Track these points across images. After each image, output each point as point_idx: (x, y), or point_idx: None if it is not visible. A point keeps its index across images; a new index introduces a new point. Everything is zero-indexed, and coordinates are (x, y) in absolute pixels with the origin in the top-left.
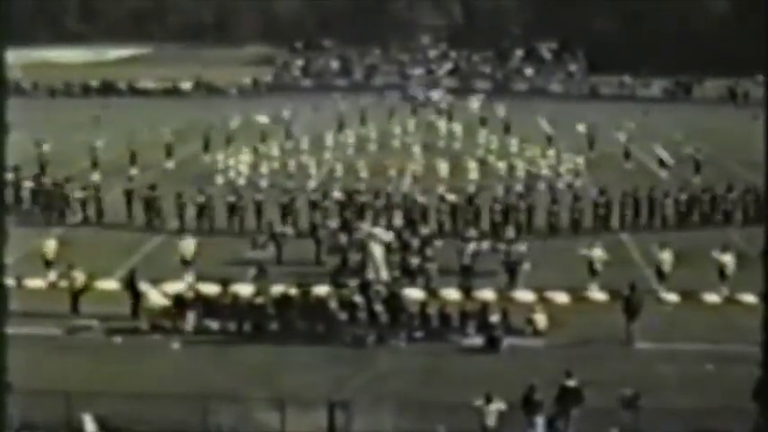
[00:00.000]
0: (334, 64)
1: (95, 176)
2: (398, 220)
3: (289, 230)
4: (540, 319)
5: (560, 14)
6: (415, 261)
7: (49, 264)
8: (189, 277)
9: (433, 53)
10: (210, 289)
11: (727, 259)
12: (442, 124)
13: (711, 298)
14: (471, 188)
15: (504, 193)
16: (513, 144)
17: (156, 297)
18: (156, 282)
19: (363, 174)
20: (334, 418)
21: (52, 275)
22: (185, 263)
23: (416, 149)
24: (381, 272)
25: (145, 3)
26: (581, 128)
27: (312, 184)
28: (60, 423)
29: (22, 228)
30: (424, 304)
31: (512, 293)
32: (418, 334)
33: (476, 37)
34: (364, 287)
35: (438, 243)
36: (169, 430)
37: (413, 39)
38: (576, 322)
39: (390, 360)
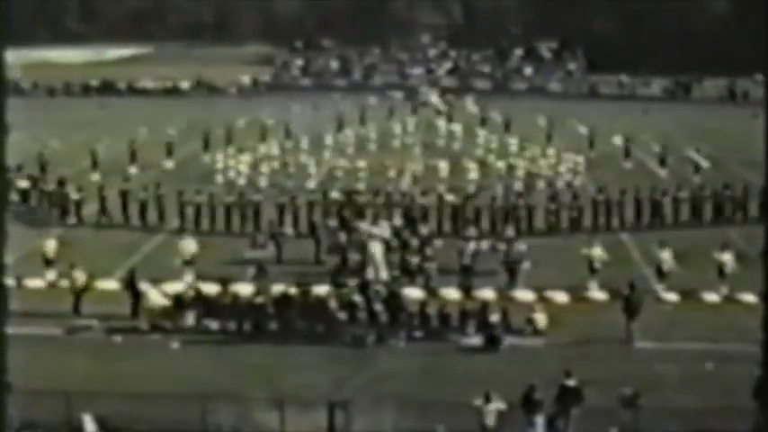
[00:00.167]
0: (334, 63)
1: (95, 176)
2: (398, 219)
3: (289, 230)
4: (540, 319)
5: (560, 14)
6: (414, 260)
7: (49, 263)
8: (188, 277)
9: (432, 52)
10: (210, 288)
11: (727, 258)
12: (441, 124)
13: (711, 297)
14: (471, 188)
15: (504, 192)
16: (513, 143)
17: (155, 297)
18: (155, 282)
19: (363, 173)
20: (333, 418)
21: (52, 275)
22: (185, 262)
23: (416, 149)
24: (381, 271)
25: (145, 2)
26: (583, 129)
27: (312, 183)
28: (60, 423)
29: (18, 226)
30: (423, 304)
31: (512, 293)
32: (418, 333)
33: (475, 36)
34: (364, 287)
35: (438, 242)
36: (169, 430)
37: (412, 38)
38: (575, 322)
39: (390, 360)
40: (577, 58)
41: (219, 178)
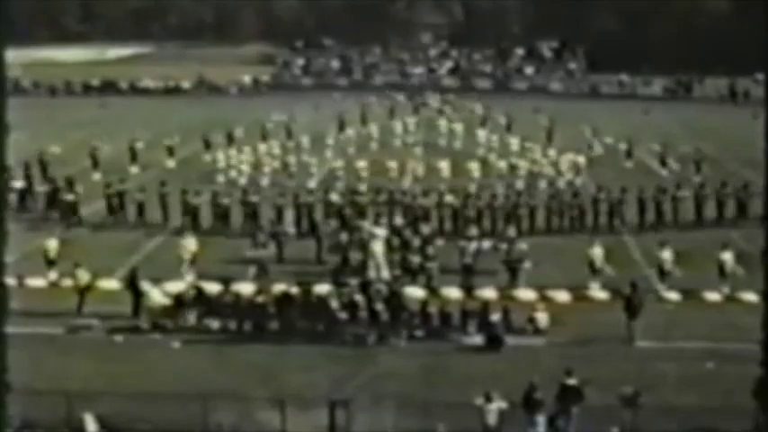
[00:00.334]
0: (335, 63)
1: (96, 176)
2: (399, 219)
3: (290, 229)
4: (542, 318)
5: (561, 13)
6: (415, 260)
7: (50, 263)
8: (189, 276)
9: (433, 52)
10: (211, 288)
11: (727, 257)
12: (443, 123)
13: (712, 296)
14: (472, 187)
15: (505, 191)
16: (514, 143)
17: (156, 296)
18: (156, 281)
19: (364, 173)
20: (334, 418)
21: (53, 275)
22: (187, 262)
23: (417, 149)
24: (382, 271)
25: (145, 2)
26: (587, 131)
27: (313, 183)
28: (61, 422)
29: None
30: (424, 303)
31: (513, 292)
32: (419, 333)
33: (476, 36)
34: (365, 286)
35: (439, 242)
36: (170, 429)
37: (413, 38)
38: (577, 321)
39: (391, 359)
40: (578, 58)
41: (221, 178)
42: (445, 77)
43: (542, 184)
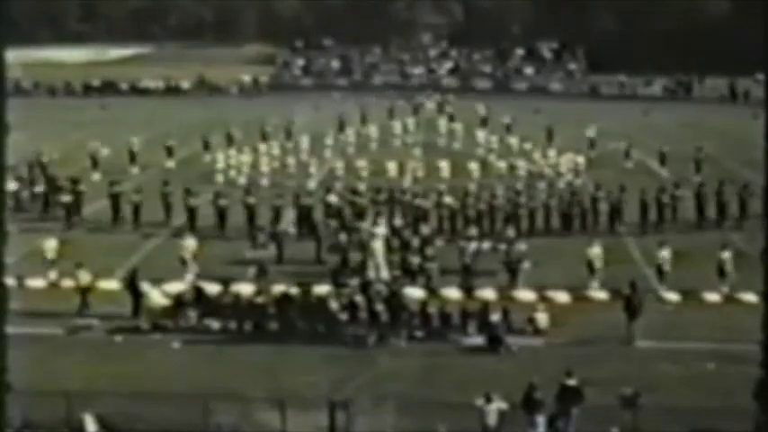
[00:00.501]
0: (335, 63)
1: (96, 176)
2: (399, 219)
3: (290, 230)
4: (541, 319)
5: (561, 14)
6: (415, 260)
7: (49, 263)
8: (190, 277)
9: (433, 52)
10: (211, 288)
11: (726, 257)
12: (442, 123)
13: (712, 297)
14: (472, 188)
15: (505, 191)
16: (514, 143)
17: (156, 297)
18: (156, 282)
19: (364, 173)
20: (334, 418)
21: (53, 275)
22: (185, 262)
23: (417, 149)
24: (382, 271)
25: (145, 2)
26: (591, 131)
27: (312, 183)
28: (61, 422)
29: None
30: (424, 303)
31: (513, 293)
32: (419, 333)
33: (476, 36)
34: (365, 286)
35: (439, 242)
36: (170, 430)
37: (413, 38)
38: (576, 321)
39: (391, 359)
40: (578, 58)
41: (221, 178)
42: (445, 78)
43: (542, 185)
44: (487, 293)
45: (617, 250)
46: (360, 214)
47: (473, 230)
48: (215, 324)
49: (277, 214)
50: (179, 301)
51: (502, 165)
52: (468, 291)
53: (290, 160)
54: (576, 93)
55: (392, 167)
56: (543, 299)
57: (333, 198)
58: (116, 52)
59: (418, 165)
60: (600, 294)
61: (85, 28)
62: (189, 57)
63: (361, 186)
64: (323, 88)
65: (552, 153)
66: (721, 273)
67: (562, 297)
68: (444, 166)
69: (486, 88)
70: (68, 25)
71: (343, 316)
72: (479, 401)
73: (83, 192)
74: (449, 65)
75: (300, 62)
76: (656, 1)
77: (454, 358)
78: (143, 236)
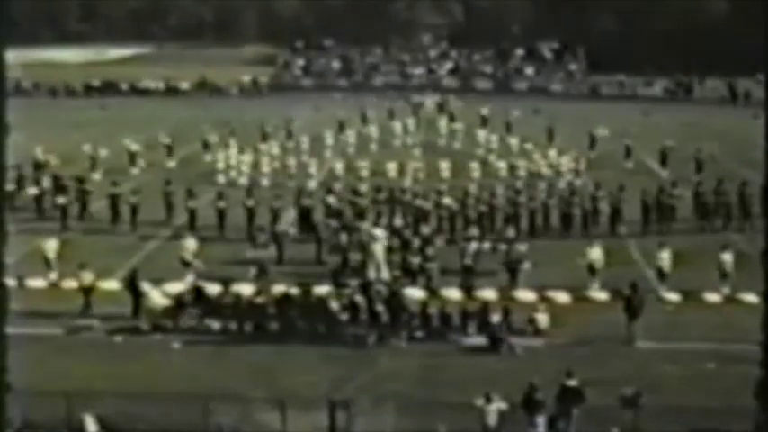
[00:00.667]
0: (335, 64)
1: (96, 176)
2: (399, 220)
3: (291, 230)
4: (542, 319)
5: (561, 14)
6: (415, 260)
7: (49, 263)
8: (190, 277)
9: (433, 53)
10: (211, 288)
11: (727, 257)
12: (442, 124)
13: (712, 297)
14: (472, 188)
15: (505, 191)
16: (514, 144)
17: (157, 297)
18: (156, 282)
19: (364, 173)
20: (334, 418)
21: (53, 275)
22: (185, 263)
23: (417, 149)
24: (382, 271)
25: (146, 2)
26: (601, 131)
27: (313, 183)
28: (61, 423)
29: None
30: (424, 304)
31: (513, 293)
32: (419, 334)
33: (476, 36)
34: (365, 287)
35: (439, 242)
36: (170, 430)
37: (413, 38)
38: (577, 321)
39: (391, 360)
40: (578, 59)
41: (221, 178)
42: (445, 78)
43: (542, 185)
44: (488, 294)
45: (618, 251)
46: (360, 214)
47: (473, 231)
48: (215, 324)
49: (277, 215)
50: (179, 302)
51: (502, 165)
52: (468, 291)
53: (291, 161)
54: (576, 93)
55: (392, 168)
56: (543, 299)
57: (332, 199)
58: (116, 52)
59: (419, 165)
60: (600, 295)
61: (85, 28)
62: (189, 57)
63: (362, 187)
64: (323, 89)
65: (552, 153)
66: (722, 273)
67: (562, 297)
68: (444, 166)
69: (487, 89)
70: (68, 25)
71: (344, 316)
72: (479, 402)
73: (89, 191)
74: (449, 65)
75: (301, 63)
76: (656, 1)
77: (454, 358)
78: (140, 238)
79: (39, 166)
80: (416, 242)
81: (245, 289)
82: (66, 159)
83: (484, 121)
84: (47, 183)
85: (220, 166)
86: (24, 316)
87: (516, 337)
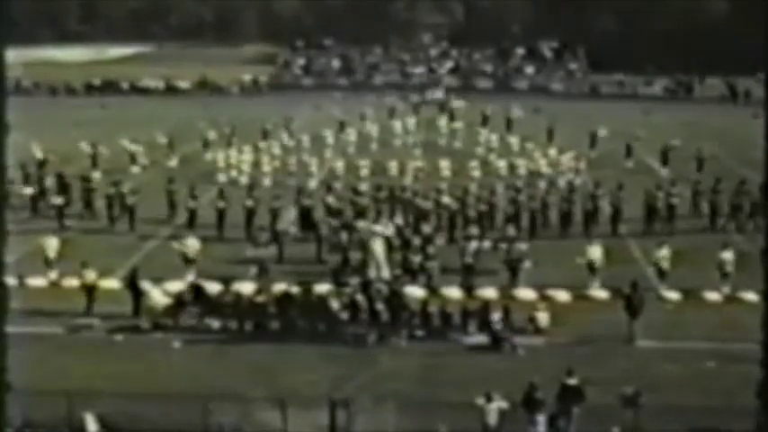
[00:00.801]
0: (336, 63)
1: (96, 175)
2: (400, 219)
3: (291, 229)
4: (542, 318)
5: (561, 13)
6: (416, 259)
7: (50, 263)
8: (191, 276)
9: (433, 52)
10: (212, 287)
11: (727, 256)
12: (443, 123)
13: (713, 296)
14: (472, 187)
15: (505, 190)
16: (514, 143)
17: (157, 296)
18: (157, 281)
19: (365, 172)
20: (335, 417)
21: (53, 274)
22: (187, 261)
23: (417, 148)
24: (383, 270)
25: (146, 2)
26: (602, 131)
27: (313, 183)
28: (62, 422)
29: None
30: (425, 303)
31: (513, 292)
32: (419, 332)
33: (477, 35)
34: (365, 286)
35: (440, 241)
36: (170, 429)
37: (414, 38)
38: (577, 320)
39: (391, 359)
40: (579, 58)
41: (222, 177)
42: (446, 77)
43: (542, 184)
44: (488, 292)
45: (618, 250)
46: (360, 213)
47: (474, 229)
48: (216, 323)
49: (277, 214)
50: (180, 301)
51: (502, 164)
52: (468, 290)
53: (291, 160)
54: (576, 92)
55: (393, 167)
56: (544, 298)
57: (331, 200)
58: (116, 51)
59: (419, 164)
60: (600, 293)
61: (85, 28)
62: (189, 56)
63: (362, 186)
64: (323, 88)
65: (553, 152)
66: (722, 272)
67: (563, 296)
68: (445, 165)
69: (487, 88)
70: (68, 25)
71: (344, 315)
72: (480, 401)
73: (94, 189)
74: (449, 64)
75: (301, 62)
76: (657, 1)
77: (455, 357)
78: (139, 238)
79: (42, 165)
80: (417, 241)
81: (246, 288)
82: (67, 158)
83: (484, 121)
84: (50, 181)
85: (221, 165)
86: (25, 315)
87: (517, 335)
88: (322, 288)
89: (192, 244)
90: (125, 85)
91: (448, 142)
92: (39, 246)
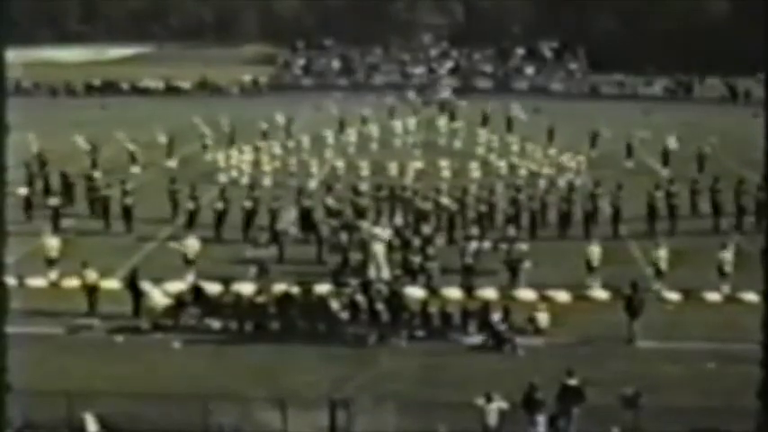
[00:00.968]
0: (336, 63)
1: (96, 174)
2: (400, 219)
3: (292, 229)
4: (542, 318)
5: (561, 13)
6: (416, 260)
7: (50, 263)
8: (191, 276)
9: (434, 52)
10: (212, 288)
11: (727, 256)
12: (443, 123)
13: (713, 296)
14: (473, 187)
15: (505, 190)
16: (514, 143)
17: (157, 296)
18: (157, 281)
19: (365, 172)
20: (335, 418)
21: (53, 274)
22: (187, 262)
23: (417, 149)
24: (383, 271)
25: (146, 2)
26: (604, 131)
27: (314, 183)
28: (62, 422)
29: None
30: (425, 303)
31: (513, 292)
32: (419, 333)
33: (477, 36)
34: (365, 286)
35: (440, 242)
36: (170, 429)
37: (414, 38)
38: (577, 321)
39: (391, 359)
40: (579, 58)
41: (222, 178)
42: (446, 77)
43: (542, 184)
44: (488, 293)
45: (618, 250)
46: (361, 214)
47: (474, 230)
48: (216, 323)
49: (277, 214)
50: (180, 301)
51: (502, 164)
52: (468, 290)
53: (292, 160)
54: (576, 92)
55: (393, 167)
56: (544, 298)
57: (331, 201)
58: (116, 52)
59: (419, 165)
60: (601, 294)
61: (85, 28)
62: (189, 57)
63: (362, 186)
64: (323, 88)
65: (553, 152)
66: (722, 272)
67: (563, 296)
68: (445, 165)
69: (487, 88)
70: (68, 25)
71: (344, 315)
72: (480, 401)
73: (98, 188)
74: (449, 65)
75: (301, 62)
76: (657, 1)
77: (455, 358)
78: (139, 238)
79: (44, 164)
80: (417, 241)
81: (246, 288)
82: (67, 158)
83: (484, 121)
84: (53, 181)
85: (221, 165)
86: (25, 315)
87: (517, 336)
88: (322, 288)
89: (191, 244)
90: (125, 86)
91: (448, 142)
92: (39, 246)
